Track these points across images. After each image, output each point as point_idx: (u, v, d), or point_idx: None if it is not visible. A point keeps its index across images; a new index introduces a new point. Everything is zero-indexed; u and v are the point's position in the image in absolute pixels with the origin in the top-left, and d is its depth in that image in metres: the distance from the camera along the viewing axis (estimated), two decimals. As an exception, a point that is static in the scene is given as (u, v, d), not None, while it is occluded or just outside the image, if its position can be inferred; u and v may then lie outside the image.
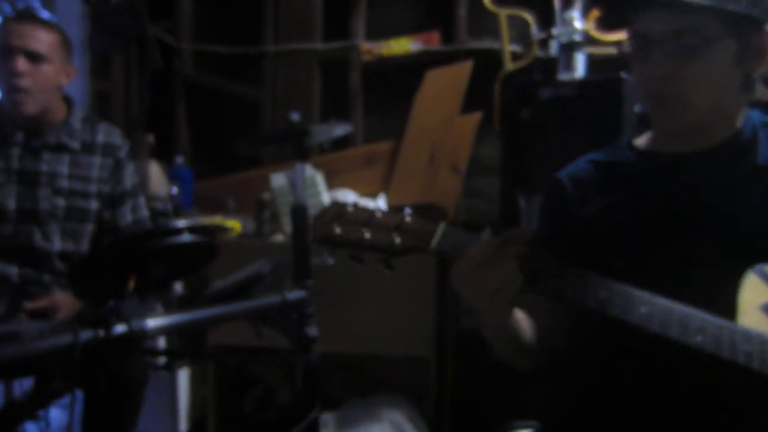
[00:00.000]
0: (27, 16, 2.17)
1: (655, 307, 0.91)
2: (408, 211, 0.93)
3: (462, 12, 2.65)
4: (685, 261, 1.01)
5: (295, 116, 1.79)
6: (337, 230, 0.91)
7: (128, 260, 1.17)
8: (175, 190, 2.51)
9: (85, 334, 1.09)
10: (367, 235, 0.90)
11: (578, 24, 2.12)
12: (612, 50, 2.39)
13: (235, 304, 1.44)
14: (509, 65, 2.58)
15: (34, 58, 1.78)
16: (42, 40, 1.81)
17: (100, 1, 2.77)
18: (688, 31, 0.98)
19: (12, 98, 1.79)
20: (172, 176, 2.59)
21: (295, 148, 1.75)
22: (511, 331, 1.00)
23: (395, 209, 0.95)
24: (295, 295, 1.57)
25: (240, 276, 1.97)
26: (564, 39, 2.12)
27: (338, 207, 0.93)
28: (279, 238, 2.38)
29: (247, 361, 2.07)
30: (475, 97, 2.63)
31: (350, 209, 0.93)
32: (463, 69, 2.61)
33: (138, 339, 1.17)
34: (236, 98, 2.90)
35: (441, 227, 0.92)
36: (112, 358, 1.22)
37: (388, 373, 2.27)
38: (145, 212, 2.03)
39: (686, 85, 1.00)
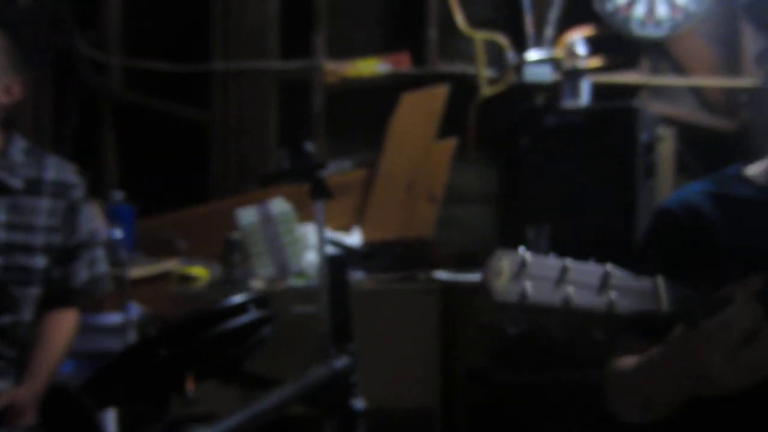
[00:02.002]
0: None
1: None
2: (613, 268, 0.71)
3: (433, 34, 2.52)
4: None
5: (309, 146, 1.53)
6: (529, 287, 0.67)
7: (184, 354, 0.87)
8: (118, 233, 2.10)
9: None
10: (572, 292, 0.68)
11: (581, 50, 2.06)
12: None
13: (287, 388, 1.15)
14: (485, 90, 2.48)
15: None
16: None
17: (6, 5, 2.30)
18: None
19: None
20: (111, 216, 2.18)
21: (314, 185, 1.49)
22: None
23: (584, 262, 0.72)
24: (340, 363, 1.32)
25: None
26: (567, 66, 2.06)
27: (512, 257, 0.70)
28: (258, 284, 2.07)
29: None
30: (446, 123, 2.51)
31: (529, 258, 0.69)
32: (440, 93, 2.47)
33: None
34: (179, 122, 2.53)
35: (661, 283, 0.72)
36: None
37: (391, 427, 2.05)
38: (103, 267, 1.62)
39: None
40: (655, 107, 2.57)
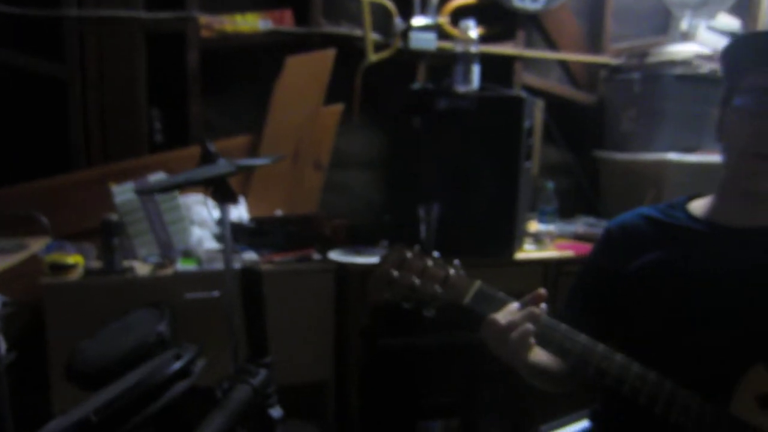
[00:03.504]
0: None
1: (644, 384, 0.99)
2: (457, 263, 1.06)
3: (318, -9, 2.39)
4: (722, 329, 1.08)
5: (211, 146, 1.41)
6: (396, 275, 1.02)
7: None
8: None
9: None
10: (417, 282, 1.02)
11: (473, 33, 2.09)
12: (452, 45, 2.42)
13: (215, 419, 1.13)
14: (372, 56, 2.44)
15: None
16: None
17: None
18: None
19: None
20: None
21: (218, 189, 1.41)
22: (533, 367, 1.10)
23: (443, 262, 1.05)
24: (259, 378, 1.32)
25: (126, 342, 1.57)
26: (460, 49, 2.07)
27: (401, 252, 1.04)
28: (142, 269, 1.94)
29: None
30: (330, 86, 2.45)
31: (410, 255, 1.04)
32: (327, 57, 2.38)
33: None
34: (30, 77, 2.18)
35: (475, 285, 1.04)
36: None
37: (288, 402, 2.10)
38: None
39: None
40: (527, 79, 2.72)
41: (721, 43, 2.85)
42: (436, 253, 1.08)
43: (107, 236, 1.89)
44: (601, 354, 1.00)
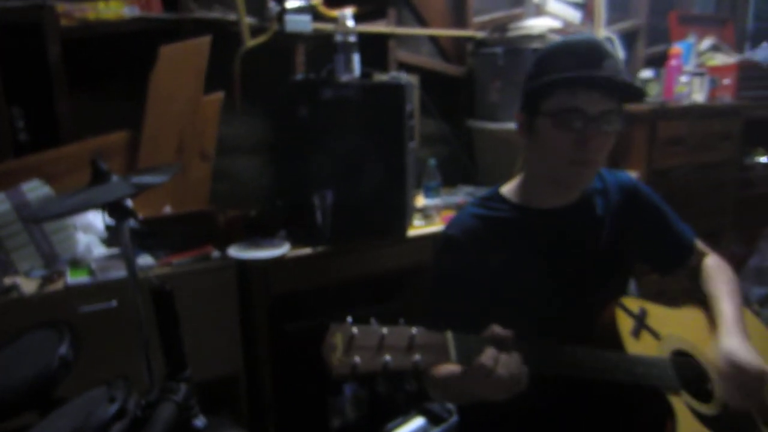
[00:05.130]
0: None
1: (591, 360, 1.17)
2: (402, 321, 0.96)
3: (186, -26, 2.29)
4: (570, 294, 1.30)
5: (102, 165, 1.35)
6: (357, 360, 0.87)
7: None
8: None
9: None
10: (389, 359, 0.89)
11: (351, 23, 2.13)
12: (331, 26, 2.46)
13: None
14: (249, 41, 2.40)
15: None
16: None
17: None
18: (615, 112, 1.21)
19: None
20: None
21: (114, 208, 1.37)
22: None
23: (395, 326, 0.95)
24: (182, 393, 1.36)
25: (25, 370, 1.52)
26: (339, 39, 2.11)
27: (343, 331, 0.89)
28: (28, 286, 1.83)
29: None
30: (209, 74, 2.39)
31: (355, 331, 0.90)
32: (202, 44, 2.31)
33: None
34: None
35: (449, 338, 0.98)
36: None
37: (200, 398, 2.11)
38: None
39: (603, 155, 1.25)
40: (401, 55, 2.82)
41: (568, 13, 3.12)
42: (373, 320, 0.94)
43: (-17, 255, 1.77)
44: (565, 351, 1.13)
